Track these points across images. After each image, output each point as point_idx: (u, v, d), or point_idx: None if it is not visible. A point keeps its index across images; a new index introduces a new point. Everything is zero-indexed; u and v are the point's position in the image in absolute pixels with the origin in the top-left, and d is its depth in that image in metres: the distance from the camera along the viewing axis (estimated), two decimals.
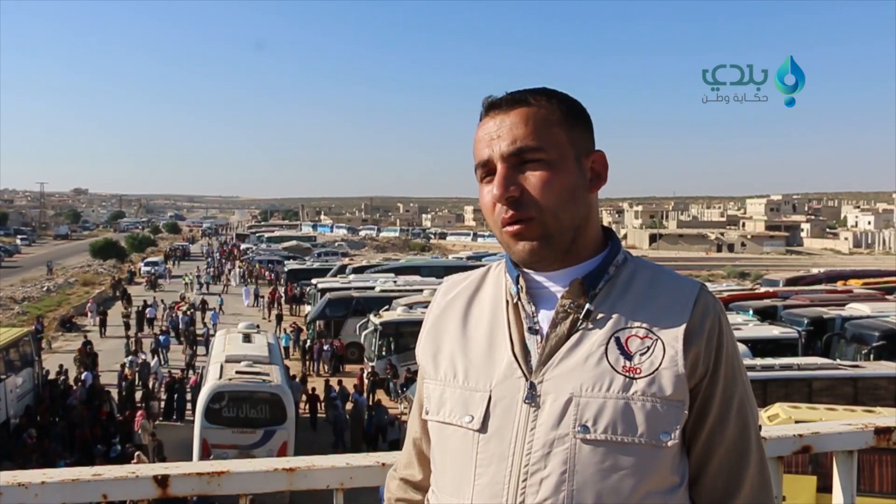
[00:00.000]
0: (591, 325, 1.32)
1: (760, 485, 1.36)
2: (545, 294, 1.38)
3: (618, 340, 1.30)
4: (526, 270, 1.39)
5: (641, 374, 1.28)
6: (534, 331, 1.35)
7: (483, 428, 1.32)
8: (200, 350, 24.72)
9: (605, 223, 1.47)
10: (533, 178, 1.32)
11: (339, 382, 20.20)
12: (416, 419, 1.52)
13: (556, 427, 1.28)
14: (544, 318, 1.36)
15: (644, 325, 1.31)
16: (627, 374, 1.28)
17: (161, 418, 18.49)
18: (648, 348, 1.29)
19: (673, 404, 1.28)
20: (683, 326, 1.30)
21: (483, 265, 1.54)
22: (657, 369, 1.28)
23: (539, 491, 1.26)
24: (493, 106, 1.38)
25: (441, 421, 1.40)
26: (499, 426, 1.31)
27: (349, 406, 18.57)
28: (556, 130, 1.34)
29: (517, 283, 1.39)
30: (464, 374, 1.38)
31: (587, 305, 1.33)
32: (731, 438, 1.33)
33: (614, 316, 1.33)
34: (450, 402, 1.38)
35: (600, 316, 1.33)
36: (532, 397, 1.30)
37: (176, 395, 19.29)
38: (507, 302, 1.40)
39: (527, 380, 1.31)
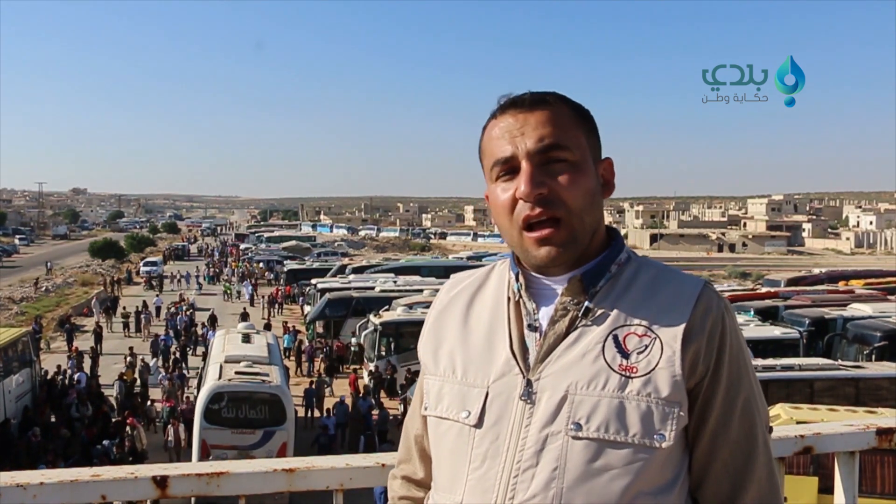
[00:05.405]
0: (589, 323, 1.31)
1: (769, 488, 1.33)
2: (546, 292, 1.37)
3: (615, 338, 1.29)
4: (527, 268, 1.38)
5: (638, 374, 1.26)
6: (533, 328, 1.35)
7: (479, 423, 1.32)
8: (199, 351, 24.60)
9: (607, 223, 1.47)
10: (561, 179, 1.31)
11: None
12: (416, 416, 1.51)
13: (549, 424, 1.27)
14: (545, 315, 1.35)
15: (643, 323, 1.30)
16: (623, 372, 1.27)
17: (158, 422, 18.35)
18: (646, 347, 1.28)
19: (669, 405, 1.26)
20: (683, 325, 1.28)
21: (483, 265, 1.53)
22: (654, 369, 1.27)
23: (529, 487, 1.26)
24: (515, 104, 1.36)
25: (438, 416, 1.39)
26: (494, 422, 1.31)
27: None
28: (578, 133, 1.35)
29: (518, 280, 1.38)
30: (462, 369, 1.38)
31: (586, 303, 1.32)
32: (736, 439, 1.31)
33: (613, 313, 1.31)
34: (448, 398, 1.38)
35: (599, 313, 1.32)
36: (528, 394, 1.29)
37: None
38: (509, 299, 1.39)
39: (524, 377, 1.31)
